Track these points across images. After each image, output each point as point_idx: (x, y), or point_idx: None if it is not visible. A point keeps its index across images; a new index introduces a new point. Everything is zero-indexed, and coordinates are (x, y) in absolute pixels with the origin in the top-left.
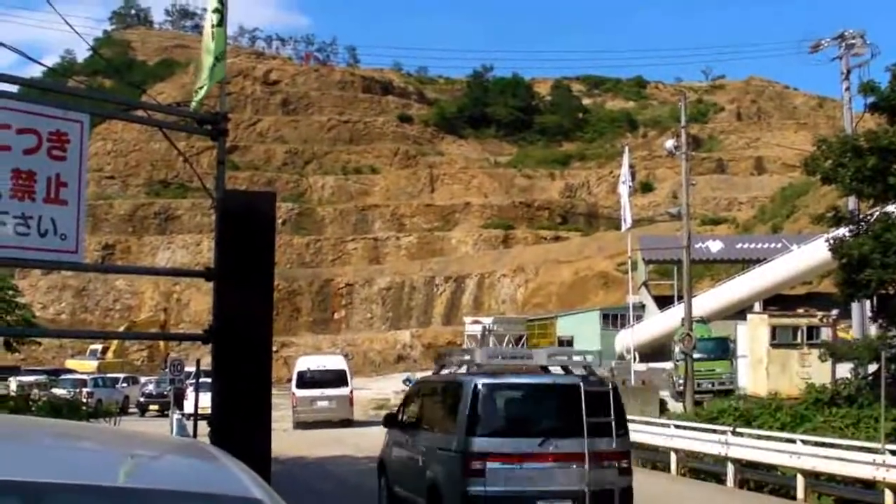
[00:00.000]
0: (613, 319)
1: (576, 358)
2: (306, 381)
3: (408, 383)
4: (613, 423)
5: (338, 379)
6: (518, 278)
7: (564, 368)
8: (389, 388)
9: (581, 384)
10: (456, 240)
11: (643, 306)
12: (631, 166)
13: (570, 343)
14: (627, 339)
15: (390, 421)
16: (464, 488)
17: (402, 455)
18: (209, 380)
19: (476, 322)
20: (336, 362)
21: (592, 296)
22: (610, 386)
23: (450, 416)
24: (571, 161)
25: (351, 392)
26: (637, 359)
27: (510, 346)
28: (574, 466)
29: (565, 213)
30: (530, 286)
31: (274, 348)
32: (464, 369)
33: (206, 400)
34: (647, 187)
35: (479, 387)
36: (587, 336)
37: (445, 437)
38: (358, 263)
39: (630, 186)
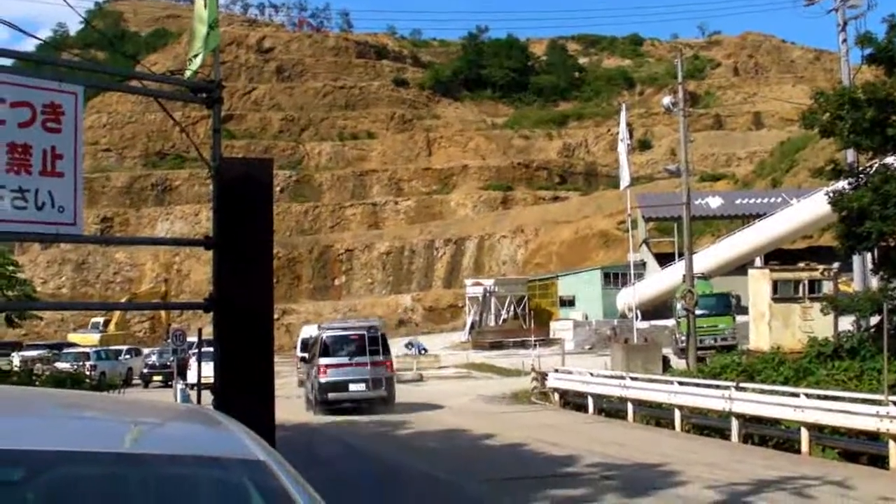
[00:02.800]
0: (615, 278)
1: (372, 322)
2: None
3: (411, 348)
4: (381, 349)
5: (374, 347)
6: (518, 239)
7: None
8: (391, 352)
9: (366, 333)
10: (455, 202)
11: (644, 264)
12: (628, 124)
13: (571, 302)
14: (629, 297)
15: (303, 359)
16: (318, 380)
17: (306, 373)
18: (212, 349)
19: (477, 284)
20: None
21: (593, 255)
22: (380, 333)
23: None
24: (569, 121)
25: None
26: (639, 317)
27: (512, 307)
28: (365, 367)
29: (564, 172)
30: (530, 247)
31: (275, 316)
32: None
33: (209, 369)
34: (645, 145)
35: (324, 336)
36: (588, 295)
37: (313, 361)
38: (357, 229)
39: (628, 144)
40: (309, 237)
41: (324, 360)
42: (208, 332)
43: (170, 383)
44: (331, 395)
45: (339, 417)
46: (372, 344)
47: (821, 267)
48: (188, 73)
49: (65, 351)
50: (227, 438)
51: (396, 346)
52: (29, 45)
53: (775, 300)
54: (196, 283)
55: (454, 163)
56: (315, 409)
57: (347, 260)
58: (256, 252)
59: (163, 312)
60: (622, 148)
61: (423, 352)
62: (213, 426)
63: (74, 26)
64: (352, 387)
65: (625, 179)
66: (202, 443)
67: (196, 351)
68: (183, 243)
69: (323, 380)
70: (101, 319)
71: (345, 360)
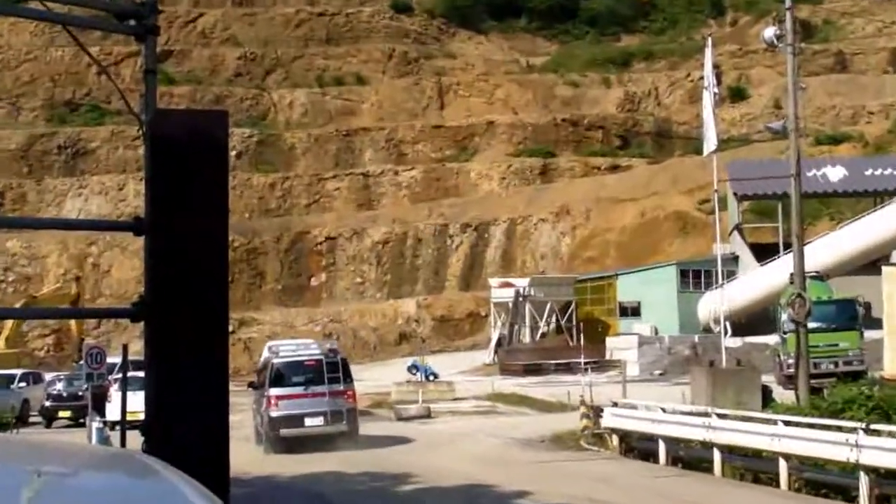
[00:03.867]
0: (695, 277)
1: (327, 346)
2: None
3: (415, 372)
4: (341, 377)
5: (333, 374)
6: (562, 224)
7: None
8: (389, 377)
9: (324, 358)
10: (476, 174)
11: (736, 258)
12: (715, 66)
13: (635, 311)
14: (715, 303)
15: (251, 384)
16: (269, 413)
17: (256, 402)
18: (141, 374)
19: (506, 285)
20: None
21: (665, 246)
22: (339, 358)
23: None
24: (633, 61)
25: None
26: (729, 331)
27: (553, 316)
28: (323, 398)
29: (626, 133)
30: (579, 234)
31: (230, 328)
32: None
33: (136, 402)
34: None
35: (275, 361)
36: (659, 301)
37: (262, 390)
38: (342, 209)
39: (715, 94)
40: (276, 220)
41: (275, 391)
42: (137, 349)
43: (82, 421)
44: (283, 432)
45: (316, 468)
46: (331, 370)
47: None
48: None
49: None
50: (164, 493)
51: (395, 368)
52: None
53: None
54: (119, 282)
55: (475, 119)
56: (266, 446)
57: (329, 252)
58: (204, 239)
59: (73, 323)
60: (707, 99)
61: (431, 377)
62: (145, 476)
63: None
64: (307, 421)
65: (710, 142)
66: (131, 499)
67: (119, 376)
68: (102, 227)
69: (274, 413)
70: None
71: (299, 389)
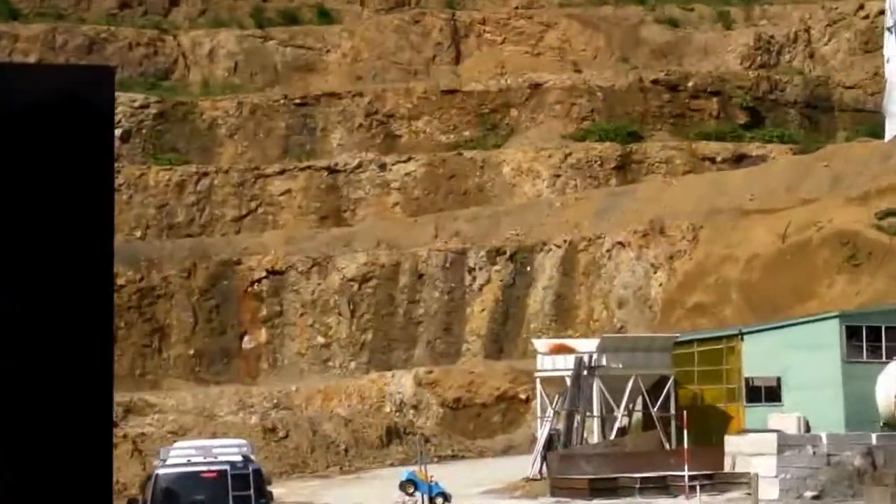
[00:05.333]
0: (871, 338)
1: (238, 446)
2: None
3: (412, 492)
4: (253, 496)
5: (242, 492)
6: (653, 251)
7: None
8: (371, 499)
9: (228, 468)
10: (512, 168)
11: None
12: None
13: (773, 394)
14: None
15: (131, 502)
16: None
17: None
18: None
19: (562, 350)
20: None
21: (822, 286)
22: (252, 468)
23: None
24: None
25: None
26: None
27: (640, 399)
28: None
29: (757, 103)
30: (680, 269)
31: (113, 416)
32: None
33: None
34: None
35: (160, 474)
36: (811, 375)
37: None
38: (294, 226)
39: None
40: (187, 243)
41: None
42: None
43: None
44: None
45: None
46: (238, 487)
47: None
48: None
49: None
50: None
51: (380, 486)
52: None
53: None
54: None
55: (511, 79)
56: None
57: (272, 294)
58: (77, 264)
59: None
60: (893, 47)
61: (438, 500)
62: None
63: None
64: None
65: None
66: None
67: None
68: None
69: None
70: None
71: None
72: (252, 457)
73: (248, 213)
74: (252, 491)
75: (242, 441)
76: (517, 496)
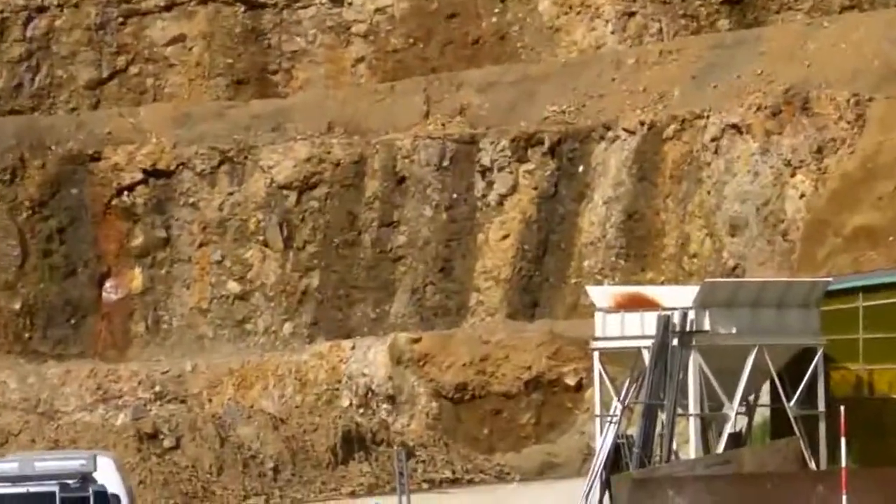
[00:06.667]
0: None
1: (82, 458)
2: None
3: None
4: None
5: None
6: (790, 140)
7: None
8: None
9: (56, 490)
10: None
11: None
12: None
13: None
14: None
15: None
16: None
17: None
18: None
19: (637, 303)
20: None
21: None
22: (97, 489)
23: None
24: None
25: None
26: None
27: (769, 381)
28: None
29: None
30: (836, 170)
31: None
32: None
33: None
34: None
35: None
36: None
37: None
38: (189, 95)
39: None
40: (10, 123)
41: None
42: None
43: None
44: None
45: None
46: None
47: None
48: None
49: None
50: None
51: None
52: None
53: None
54: None
55: None
56: None
57: (154, 209)
58: None
59: None
60: None
61: None
62: None
63: None
64: None
65: None
66: None
67: None
68: None
69: None
70: None
71: None
72: (109, 474)
73: (113, 75)
74: None
75: (90, 452)
76: None
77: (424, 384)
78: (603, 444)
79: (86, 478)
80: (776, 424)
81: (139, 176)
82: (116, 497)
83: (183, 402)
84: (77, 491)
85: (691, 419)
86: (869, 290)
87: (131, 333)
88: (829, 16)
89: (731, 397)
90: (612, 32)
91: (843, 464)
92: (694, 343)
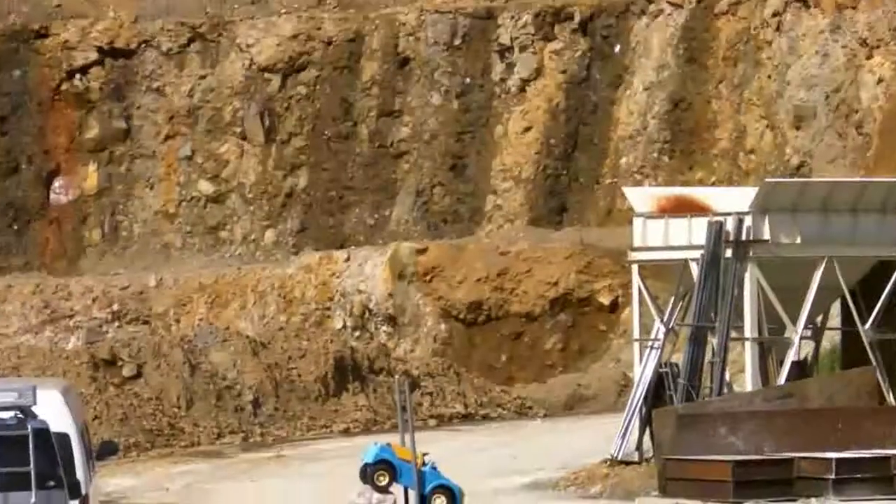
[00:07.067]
0: None
1: (24, 388)
2: None
3: (382, 490)
4: (33, 474)
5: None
6: (866, 15)
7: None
8: (304, 500)
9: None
10: None
11: None
12: None
13: None
14: None
15: None
16: None
17: None
18: None
19: (683, 206)
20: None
21: None
22: (36, 425)
23: None
24: None
25: None
26: None
27: (840, 299)
28: None
29: None
30: None
31: None
32: None
33: None
34: None
35: None
36: None
37: None
38: None
39: None
40: None
41: None
42: None
43: None
44: None
45: None
46: (10, 459)
47: None
48: None
49: None
50: None
51: (326, 472)
52: None
53: None
54: None
55: None
56: None
57: (111, 96)
58: None
59: None
60: None
61: (438, 499)
62: None
63: None
64: None
65: None
66: None
67: None
68: None
69: None
70: None
71: None
72: (54, 408)
73: None
74: (34, 465)
75: (30, 381)
76: (592, 496)
77: (431, 303)
78: (643, 373)
79: (25, 412)
80: (848, 351)
81: (94, 56)
82: (64, 436)
83: (146, 322)
84: (12, 429)
85: (748, 344)
86: None
87: (84, 242)
88: None
89: (794, 319)
90: None
91: None
92: (751, 254)
